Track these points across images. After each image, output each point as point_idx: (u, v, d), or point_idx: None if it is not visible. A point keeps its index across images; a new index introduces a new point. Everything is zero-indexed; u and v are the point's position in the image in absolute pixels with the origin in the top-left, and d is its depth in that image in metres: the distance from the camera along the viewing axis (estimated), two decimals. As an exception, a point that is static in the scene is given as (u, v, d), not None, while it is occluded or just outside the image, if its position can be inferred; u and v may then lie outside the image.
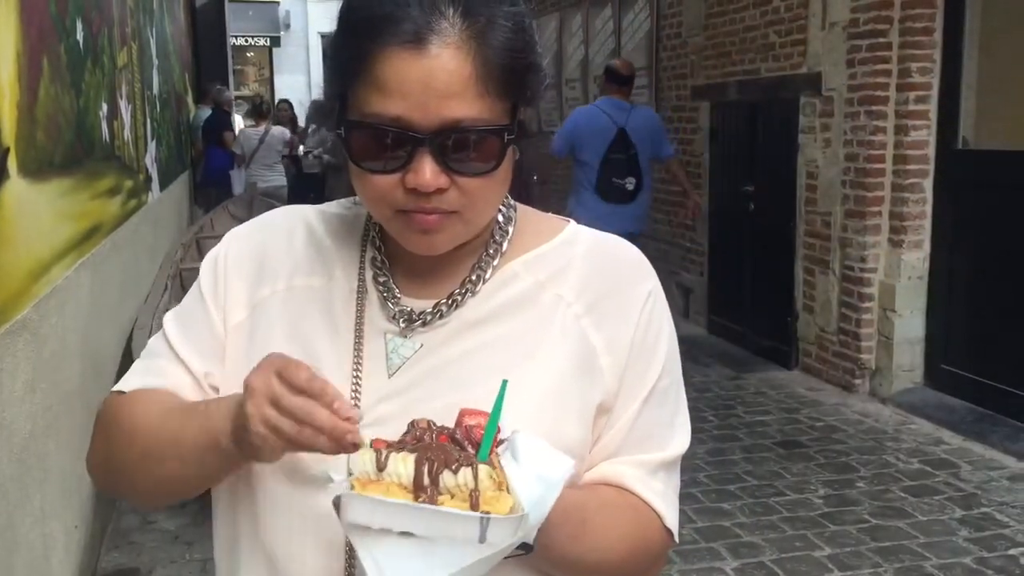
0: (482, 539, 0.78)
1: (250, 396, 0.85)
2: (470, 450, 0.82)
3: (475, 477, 0.79)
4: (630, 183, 5.63)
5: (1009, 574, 3.45)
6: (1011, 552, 3.60)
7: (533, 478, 0.82)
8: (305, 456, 0.97)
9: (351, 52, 0.91)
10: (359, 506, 0.80)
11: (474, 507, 0.78)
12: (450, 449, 0.81)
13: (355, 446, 0.82)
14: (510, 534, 0.79)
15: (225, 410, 0.91)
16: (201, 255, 6.58)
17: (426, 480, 0.79)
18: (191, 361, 1.04)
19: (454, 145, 0.89)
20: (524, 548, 0.85)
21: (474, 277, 1.02)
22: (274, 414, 0.83)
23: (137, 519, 4.00)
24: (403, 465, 0.80)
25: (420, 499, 0.79)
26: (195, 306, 1.07)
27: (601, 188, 5.60)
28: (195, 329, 1.06)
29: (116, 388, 1.06)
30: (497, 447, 0.84)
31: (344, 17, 0.94)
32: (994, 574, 3.44)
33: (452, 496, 0.79)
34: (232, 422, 0.88)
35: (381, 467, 0.80)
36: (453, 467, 0.79)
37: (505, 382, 0.84)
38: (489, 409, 0.84)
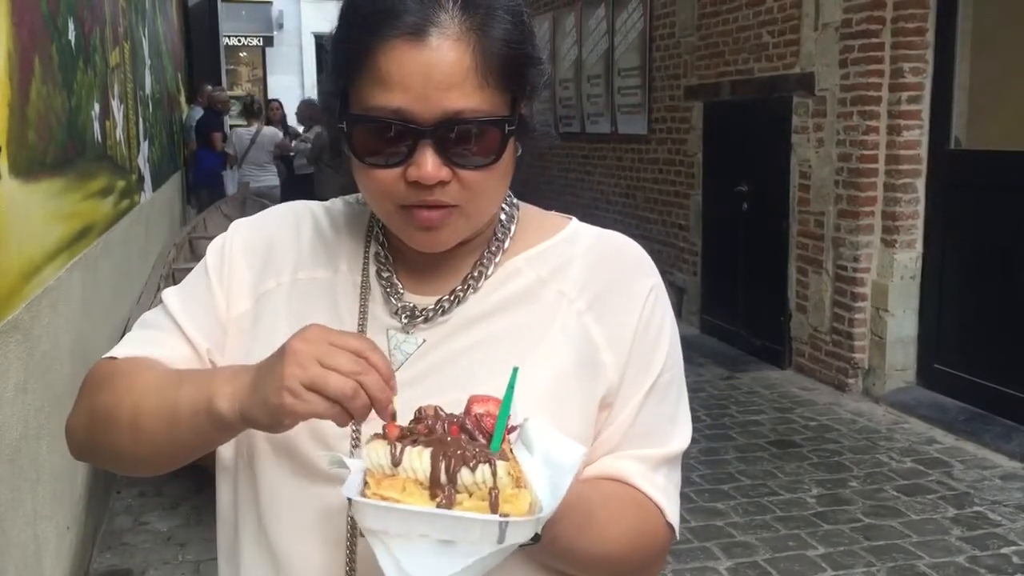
0: (501, 540, 0.77)
1: (292, 356, 0.83)
2: (481, 440, 0.81)
3: (493, 474, 0.78)
4: None
5: (1001, 573, 3.45)
6: (1004, 551, 3.61)
7: (547, 467, 0.82)
8: (309, 451, 0.98)
9: (353, 46, 0.91)
10: (375, 513, 0.78)
11: (493, 507, 0.77)
12: (465, 444, 0.80)
13: (393, 417, 0.83)
14: (528, 533, 0.79)
15: (229, 374, 0.90)
16: (194, 255, 6.60)
17: (443, 477, 0.78)
18: (193, 335, 1.04)
19: (455, 137, 0.90)
20: (532, 538, 0.84)
21: (476, 273, 1.02)
22: (319, 371, 0.82)
23: (130, 520, 3.99)
24: (419, 460, 0.79)
25: (437, 497, 0.78)
26: (199, 285, 1.07)
27: None
28: (198, 307, 1.05)
29: (108, 355, 1.05)
30: (509, 435, 0.83)
31: (346, 12, 0.94)
32: (987, 573, 3.45)
33: (470, 494, 0.78)
34: (233, 384, 0.88)
35: (396, 462, 0.79)
36: (471, 464, 0.78)
37: (516, 369, 0.83)
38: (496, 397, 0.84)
